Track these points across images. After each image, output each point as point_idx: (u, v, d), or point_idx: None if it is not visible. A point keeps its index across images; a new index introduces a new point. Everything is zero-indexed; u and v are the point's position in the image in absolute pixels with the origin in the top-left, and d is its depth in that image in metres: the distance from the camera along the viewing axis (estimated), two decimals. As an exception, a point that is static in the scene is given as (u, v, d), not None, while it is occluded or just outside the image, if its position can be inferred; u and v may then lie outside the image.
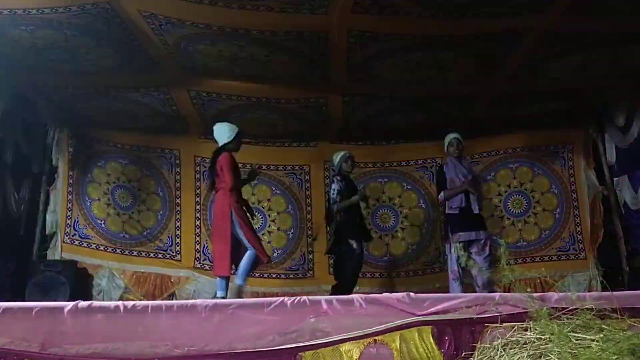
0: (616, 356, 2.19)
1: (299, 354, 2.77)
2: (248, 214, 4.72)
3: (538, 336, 2.49)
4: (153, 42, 4.49)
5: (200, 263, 6.25)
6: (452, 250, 4.90)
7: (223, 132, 4.76)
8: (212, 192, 4.91)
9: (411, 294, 3.02)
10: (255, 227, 6.33)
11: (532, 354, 2.40)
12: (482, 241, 4.89)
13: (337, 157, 5.53)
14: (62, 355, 2.74)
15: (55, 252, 5.89)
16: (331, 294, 4.80)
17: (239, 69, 4.96)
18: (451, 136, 5.16)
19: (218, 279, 4.60)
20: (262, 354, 2.77)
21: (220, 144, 4.74)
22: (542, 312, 2.60)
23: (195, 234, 6.34)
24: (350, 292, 4.90)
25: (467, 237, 4.86)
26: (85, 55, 4.68)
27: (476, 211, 4.95)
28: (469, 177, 5.03)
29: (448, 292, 4.85)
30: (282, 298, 2.98)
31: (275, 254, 6.35)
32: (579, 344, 2.33)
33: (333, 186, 5.40)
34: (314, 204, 6.53)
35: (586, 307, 2.62)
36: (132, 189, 6.36)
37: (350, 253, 5.19)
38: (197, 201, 6.44)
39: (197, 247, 6.31)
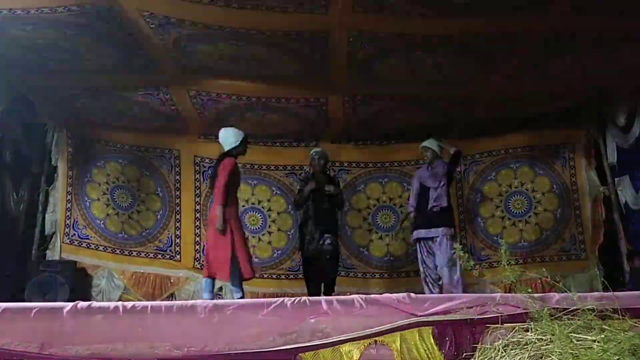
0: (617, 357, 2.19)
1: (299, 354, 2.76)
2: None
3: (539, 337, 2.48)
4: (153, 42, 4.48)
5: (199, 263, 6.22)
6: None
7: (229, 137, 4.75)
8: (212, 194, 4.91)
9: (412, 294, 3.02)
10: (255, 227, 6.41)
11: (533, 355, 2.39)
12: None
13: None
14: (62, 355, 2.74)
15: (54, 253, 5.88)
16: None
17: (239, 69, 4.96)
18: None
19: (208, 280, 4.54)
20: (262, 354, 2.77)
21: (226, 149, 4.73)
22: (543, 313, 2.60)
23: (195, 234, 6.33)
24: (317, 293, 4.93)
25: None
26: (85, 55, 4.68)
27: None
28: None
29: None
30: (282, 298, 2.98)
31: (275, 255, 6.37)
32: (580, 345, 2.33)
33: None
34: (314, 204, 6.51)
35: (587, 307, 2.61)
36: (131, 189, 6.35)
37: (308, 248, 5.19)
38: (197, 201, 6.42)
39: (197, 247, 6.29)
